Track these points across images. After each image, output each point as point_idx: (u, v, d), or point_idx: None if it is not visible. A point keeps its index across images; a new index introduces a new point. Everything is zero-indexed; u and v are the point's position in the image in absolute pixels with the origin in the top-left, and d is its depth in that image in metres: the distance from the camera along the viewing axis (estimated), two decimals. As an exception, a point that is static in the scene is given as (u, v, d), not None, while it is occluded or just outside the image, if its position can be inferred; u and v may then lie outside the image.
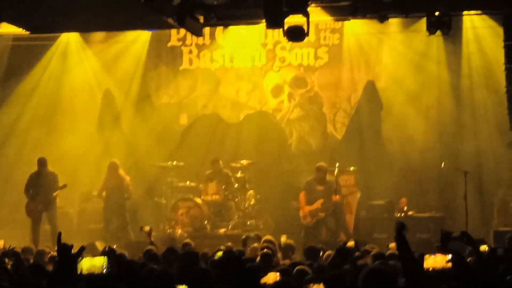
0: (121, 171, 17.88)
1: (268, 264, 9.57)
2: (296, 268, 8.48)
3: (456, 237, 7.17)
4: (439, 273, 7.21)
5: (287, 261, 10.64)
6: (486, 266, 7.07)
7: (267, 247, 10.81)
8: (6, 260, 10.46)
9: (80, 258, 7.40)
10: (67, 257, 7.13)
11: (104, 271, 7.42)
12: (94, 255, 7.90)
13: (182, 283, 7.32)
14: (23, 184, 17.32)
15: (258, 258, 10.03)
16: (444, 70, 18.54)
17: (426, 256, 7.33)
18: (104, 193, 17.94)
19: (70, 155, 18.77)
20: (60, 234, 7.43)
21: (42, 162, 17.25)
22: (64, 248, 7.17)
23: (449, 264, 7.07)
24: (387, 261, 9.00)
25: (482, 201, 17.45)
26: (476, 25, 18.17)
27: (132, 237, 17.36)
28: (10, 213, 18.23)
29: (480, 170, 17.51)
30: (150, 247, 11.41)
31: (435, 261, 7.33)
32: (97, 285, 7.29)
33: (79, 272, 7.34)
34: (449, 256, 7.04)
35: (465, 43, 18.42)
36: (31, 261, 11.55)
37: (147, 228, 12.69)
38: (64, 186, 17.10)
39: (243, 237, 13.02)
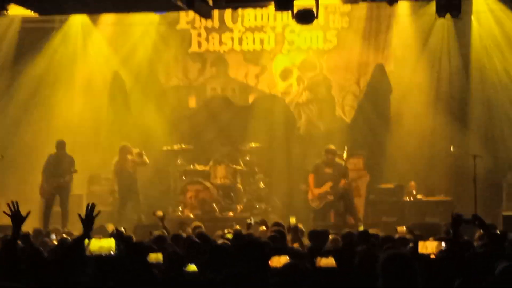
0: (130, 155, 17.82)
1: (277, 246, 9.56)
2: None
3: (467, 220, 7.13)
4: (428, 259, 7.21)
5: (296, 245, 10.62)
6: (497, 249, 7.03)
7: (276, 231, 10.81)
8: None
9: (88, 240, 7.40)
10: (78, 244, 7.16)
11: (112, 252, 7.42)
12: (104, 237, 7.92)
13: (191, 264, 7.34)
14: (35, 167, 17.37)
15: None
16: (453, 54, 18.44)
17: (420, 242, 7.33)
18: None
19: (79, 138, 18.75)
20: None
21: (60, 145, 17.33)
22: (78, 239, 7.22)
23: (433, 254, 7.11)
24: (396, 245, 8.98)
25: (491, 185, 17.39)
26: (485, 8, 18.08)
27: (143, 220, 17.34)
28: (22, 191, 18.20)
29: (489, 153, 17.41)
30: (158, 232, 11.40)
31: (426, 246, 7.35)
32: (106, 267, 7.29)
33: (87, 253, 7.35)
34: (443, 244, 7.02)
35: (474, 26, 18.32)
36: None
37: (160, 213, 12.63)
38: (74, 171, 17.16)
39: (248, 221, 12.99)
